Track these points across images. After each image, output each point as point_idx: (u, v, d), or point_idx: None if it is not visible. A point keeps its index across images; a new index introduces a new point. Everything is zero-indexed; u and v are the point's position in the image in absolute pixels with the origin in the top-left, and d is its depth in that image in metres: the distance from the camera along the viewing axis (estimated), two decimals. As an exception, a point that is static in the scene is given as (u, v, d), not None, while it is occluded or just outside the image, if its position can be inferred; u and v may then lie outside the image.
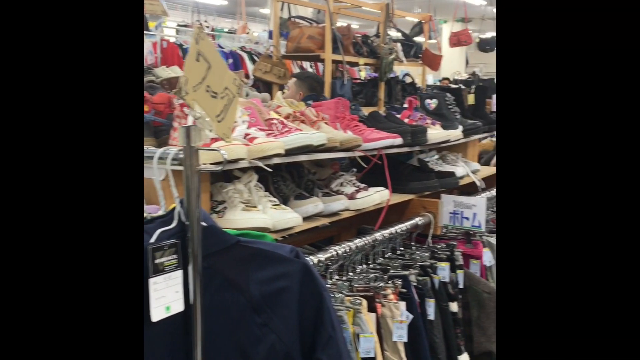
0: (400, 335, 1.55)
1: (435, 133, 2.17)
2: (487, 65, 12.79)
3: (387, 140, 1.88)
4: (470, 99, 2.76)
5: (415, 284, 1.71)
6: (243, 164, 1.42)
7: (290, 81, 3.47)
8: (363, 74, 6.65)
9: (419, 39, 5.71)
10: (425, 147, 2.22)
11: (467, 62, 10.34)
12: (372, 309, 1.54)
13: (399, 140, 1.92)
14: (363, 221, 2.04)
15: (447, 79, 6.58)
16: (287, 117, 1.72)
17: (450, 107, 2.50)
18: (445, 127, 2.28)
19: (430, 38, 5.79)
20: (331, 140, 1.65)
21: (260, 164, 1.44)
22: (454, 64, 10.59)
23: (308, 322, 1.14)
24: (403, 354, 1.57)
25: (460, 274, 1.90)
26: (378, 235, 1.78)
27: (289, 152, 1.51)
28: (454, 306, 1.82)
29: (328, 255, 1.55)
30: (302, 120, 1.75)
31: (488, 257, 2.09)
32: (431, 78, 9.30)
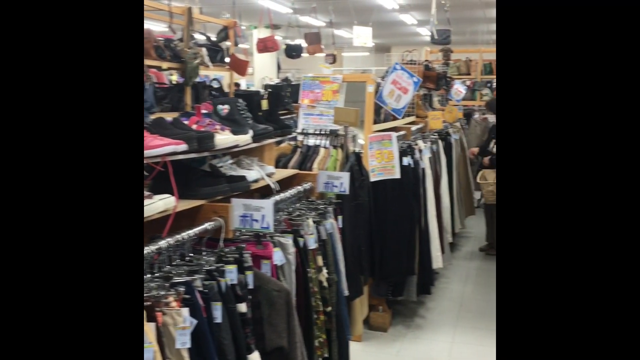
0: (183, 341, 1.55)
1: (224, 138, 2.20)
2: (299, 71, 13.26)
3: (169, 147, 1.87)
4: (264, 104, 2.84)
5: (200, 289, 1.72)
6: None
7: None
8: (174, 78, 6.51)
9: (228, 43, 5.75)
10: (215, 152, 2.24)
11: (279, 67, 10.63)
12: (152, 318, 1.52)
13: (183, 147, 1.92)
14: (155, 229, 2.01)
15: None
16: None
17: (242, 112, 2.55)
18: (235, 132, 2.32)
19: (237, 44, 5.86)
20: (105, 149, 1.60)
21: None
22: (266, 69, 10.84)
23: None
24: (187, 360, 1.58)
25: (249, 274, 1.95)
26: (162, 243, 1.76)
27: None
28: (242, 307, 1.87)
29: (103, 267, 1.50)
30: (75, 128, 1.66)
31: (278, 257, 2.18)
32: (244, 83, 9.41)
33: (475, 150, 6.27)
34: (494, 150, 5.69)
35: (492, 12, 12.44)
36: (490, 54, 11.70)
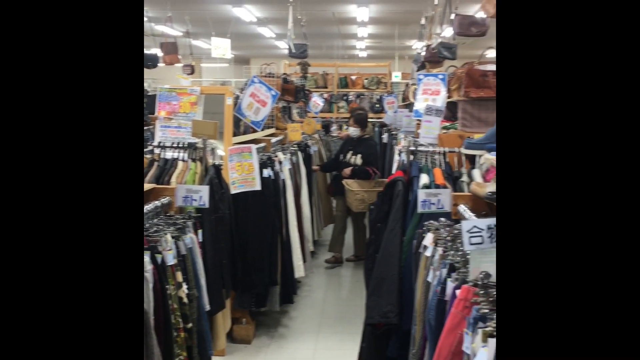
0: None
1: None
2: (155, 81, 12.86)
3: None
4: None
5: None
6: None
7: None
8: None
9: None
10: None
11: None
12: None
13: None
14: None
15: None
16: None
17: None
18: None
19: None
20: None
21: None
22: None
23: None
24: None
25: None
26: None
27: None
28: (95, 330, 1.77)
29: None
30: None
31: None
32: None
33: (316, 168, 6.26)
34: (352, 161, 5.80)
35: (346, 29, 13.02)
36: (345, 68, 12.22)
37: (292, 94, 6.55)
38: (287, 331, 4.37)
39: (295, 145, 5.55)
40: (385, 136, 7.49)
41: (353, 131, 5.93)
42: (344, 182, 5.75)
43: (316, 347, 4.09)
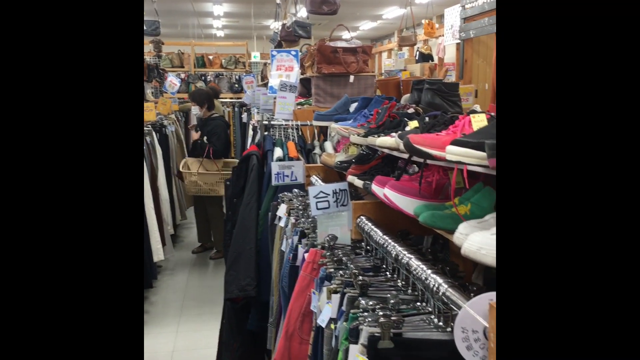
0: None
1: None
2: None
3: None
4: None
5: None
6: None
7: None
8: None
9: None
10: None
11: None
12: None
13: None
14: None
15: None
16: None
17: None
18: None
19: None
20: None
21: None
22: None
23: None
24: None
25: None
26: None
27: None
28: None
29: None
30: None
31: None
32: None
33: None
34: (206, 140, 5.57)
35: (201, 7, 12.68)
36: (202, 48, 11.94)
37: (144, 73, 6.27)
38: (148, 317, 4.23)
39: (149, 126, 5.33)
40: (244, 116, 7.46)
41: (193, 110, 5.86)
42: (184, 160, 5.50)
43: (178, 330, 4.00)
